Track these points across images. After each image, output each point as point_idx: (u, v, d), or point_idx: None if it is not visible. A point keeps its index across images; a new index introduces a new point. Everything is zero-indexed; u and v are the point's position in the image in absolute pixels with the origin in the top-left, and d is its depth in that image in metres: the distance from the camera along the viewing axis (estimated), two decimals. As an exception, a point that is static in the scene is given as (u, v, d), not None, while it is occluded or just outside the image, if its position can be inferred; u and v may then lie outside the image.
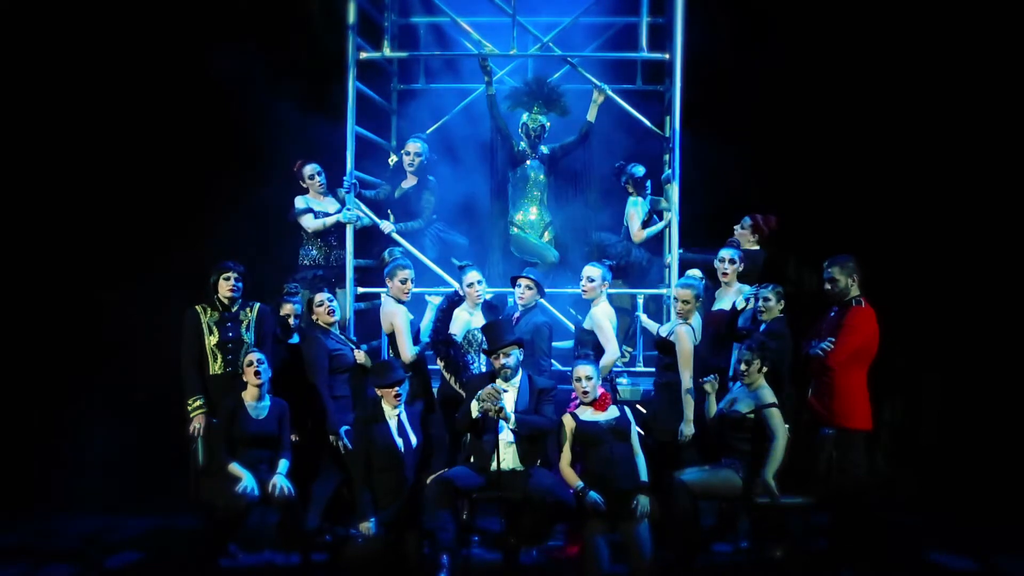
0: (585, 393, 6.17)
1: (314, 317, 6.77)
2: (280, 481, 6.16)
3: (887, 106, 8.20)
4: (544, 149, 7.63)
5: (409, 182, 7.72)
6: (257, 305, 6.74)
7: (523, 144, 7.58)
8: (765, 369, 6.25)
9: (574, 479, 6.11)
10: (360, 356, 6.83)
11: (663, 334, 6.77)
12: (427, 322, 6.90)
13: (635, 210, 7.70)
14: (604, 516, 6.03)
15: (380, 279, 7.13)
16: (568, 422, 6.23)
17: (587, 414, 6.23)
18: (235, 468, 6.14)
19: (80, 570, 6.37)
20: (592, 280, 6.74)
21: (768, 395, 6.21)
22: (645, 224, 7.68)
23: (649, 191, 7.73)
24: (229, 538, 6.30)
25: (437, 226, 7.76)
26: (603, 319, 6.68)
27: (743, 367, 6.24)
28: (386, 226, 7.52)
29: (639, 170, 7.71)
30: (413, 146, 7.68)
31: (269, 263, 7.64)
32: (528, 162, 7.57)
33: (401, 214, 7.65)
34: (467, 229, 7.94)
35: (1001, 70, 8.00)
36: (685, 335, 6.58)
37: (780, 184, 8.30)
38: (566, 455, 6.22)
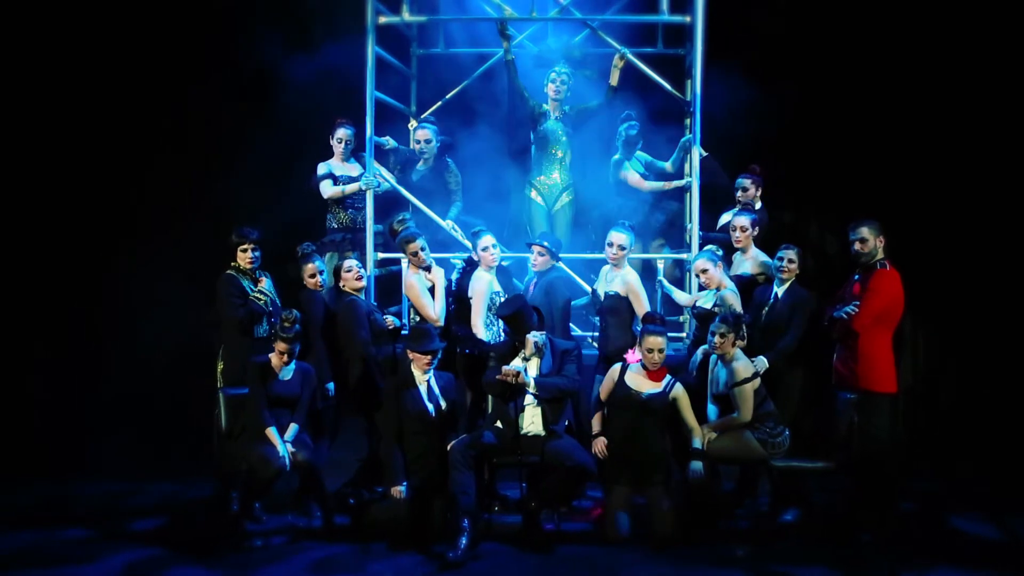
0: (655, 364, 6.18)
1: (341, 283, 6.77)
2: (296, 449, 6.19)
3: (903, 73, 8.09)
4: (567, 108, 7.58)
5: (425, 164, 7.66)
6: (267, 275, 6.84)
7: (545, 106, 7.53)
8: (741, 342, 6.22)
9: (596, 426, 6.29)
10: (391, 322, 6.89)
11: (706, 306, 6.64)
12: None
13: (628, 173, 7.63)
14: (625, 481, 6.15)
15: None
16: (611, 376, 6.29)
17: (632, 378, 6.24)
18: (272, 434, 6.16)
19: (98, 534, 6.37)
20: (623, 248, 6.73)
21: (742, 370, 6.17)
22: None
23: (636, 151, 7.69)
24: (254, 501, 6.35)
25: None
26: (637, 283, 6.72)
27: (717, 340, 6.19)
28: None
29: (633, 130, 7.64)
30: (422, 133, 7.59)
31: (292, 227, 7.60)
32: (550, 122, 7.53)
33: (420, 196, 7.53)
34: (486, 196, 7.89)
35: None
36: (731, 297, 6.55)
37: (801, 147, 8.22)
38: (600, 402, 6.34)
